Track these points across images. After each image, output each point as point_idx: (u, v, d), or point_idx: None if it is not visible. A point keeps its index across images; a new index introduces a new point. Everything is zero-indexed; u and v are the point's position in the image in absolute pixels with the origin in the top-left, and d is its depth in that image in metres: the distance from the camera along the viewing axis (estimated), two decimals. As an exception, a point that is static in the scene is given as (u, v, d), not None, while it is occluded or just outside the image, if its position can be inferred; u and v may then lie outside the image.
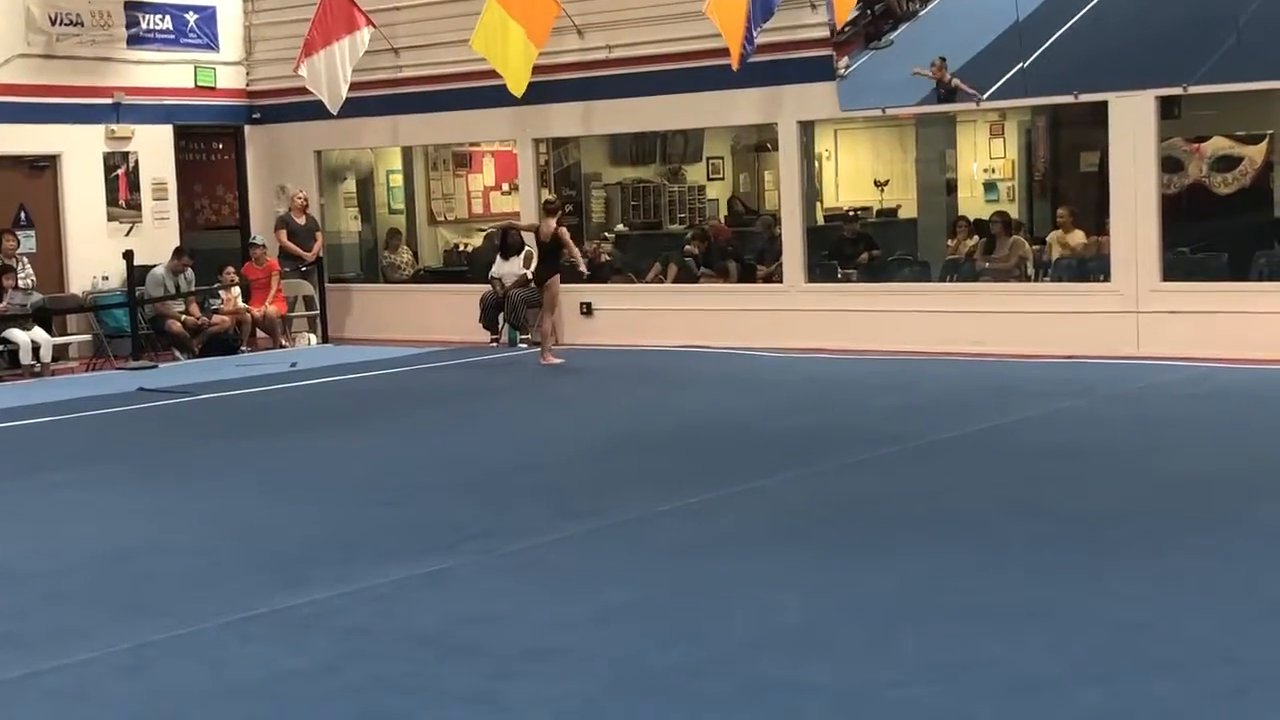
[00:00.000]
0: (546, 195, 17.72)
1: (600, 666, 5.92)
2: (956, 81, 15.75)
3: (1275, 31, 14.11)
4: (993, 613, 6.45)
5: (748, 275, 17.80)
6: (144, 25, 19.26)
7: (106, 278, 18.65)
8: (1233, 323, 14.39)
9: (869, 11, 16.07)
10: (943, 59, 15.75)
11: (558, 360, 16.07)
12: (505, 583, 7.29)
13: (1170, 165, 15.60)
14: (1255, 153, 16.54)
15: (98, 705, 5.73)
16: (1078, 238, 16.32)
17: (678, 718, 5.32)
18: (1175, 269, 15.02)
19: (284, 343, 19.00)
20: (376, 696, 5.66)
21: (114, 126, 18.99)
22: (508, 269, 18.13)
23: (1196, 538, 7.71)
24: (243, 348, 18.56)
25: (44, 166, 18.56)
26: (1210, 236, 15.56)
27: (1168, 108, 15.13)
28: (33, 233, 18.31)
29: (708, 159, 20.60)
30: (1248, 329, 14.25)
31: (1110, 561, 7.30)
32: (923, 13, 15.90)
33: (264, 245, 19.29)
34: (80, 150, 18.72)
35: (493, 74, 17.31)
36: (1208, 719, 5.13)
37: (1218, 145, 16.54)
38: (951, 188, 18.77)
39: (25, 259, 17.71)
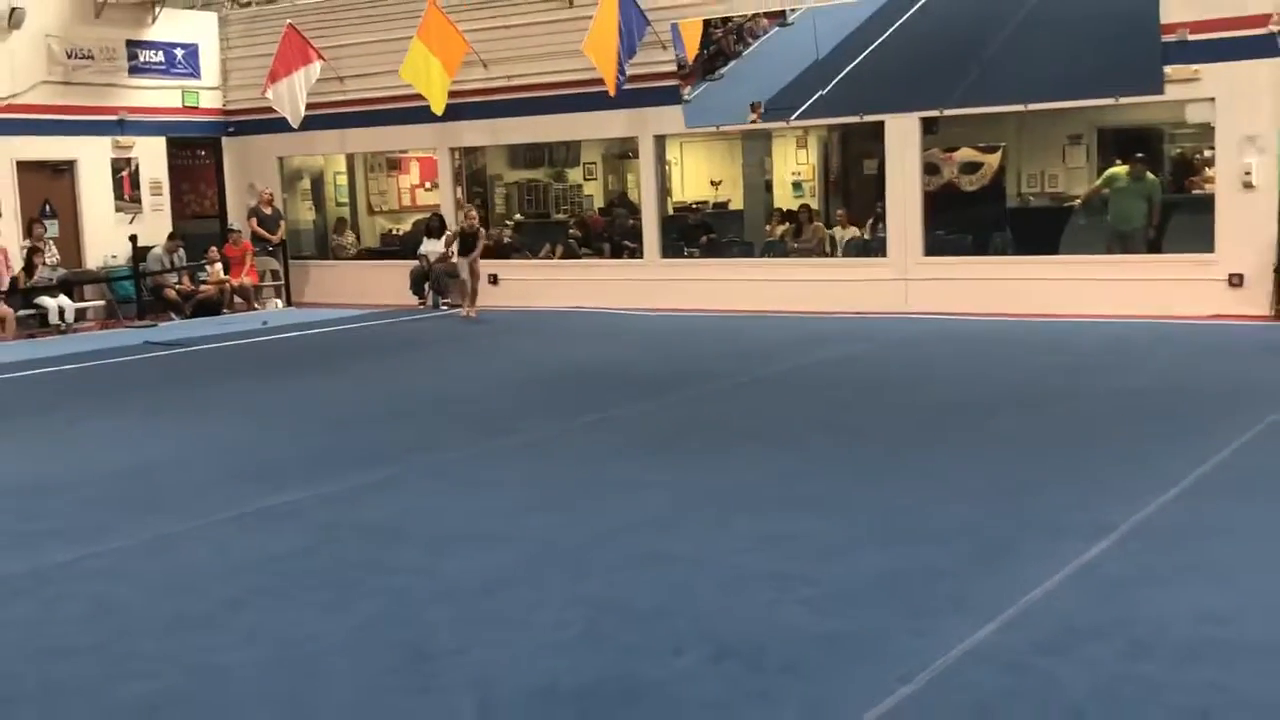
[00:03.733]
0: (469, 209, 17.29)
1: (516, 545, 5.99)
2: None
3: (1006, 68, 14.43)
4: (803, 501, 6.60)
5: (617, 253, 17.90)
6: (142, 59, 18.93)
7: (115, 256, 18.34)
8: (976, 286, 14.71)
9: (705, 51, 16.16)
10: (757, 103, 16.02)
11: (474, 314, 16.35)
12: (439, 486, 7.32)
13: (930, 169, 15.88)
14: (992, 160, 16.90)
15: (131, 580, 5.73)
16: (853, 231, 16.65)
17: (577, 581, 5.42)
18: (934, 247, 15.30)
19: (257, 306, 18.79)
20: (343, 570, 5.72)
21: (119, 138, 18.65)
22: (432, 247, 18.07)
23: (952, 443, 7.90)
24: (224, 310, 18.31)
25: (64, 170, 18.21)
26: (959, 222, 15.83)
27: (928, 125, 15.37)
28: (56, 221, 17.98)
29: (584, 164, 20.62)
30: (987, 290, 14.59)
31: (889, 462, 7.48)
32: (746, 53, 15.96)
33: (240, 231, 19.12)
34: (92, 157, 18.41)
35: (418, 97, 17.25)
36: (960, 575, 5.31)
37: (964, 154, 16.86)
38: (768, 186, 18.95)
39: (51, 242, 17.46)
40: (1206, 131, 14.28)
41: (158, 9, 18.90)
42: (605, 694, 4.21)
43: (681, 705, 4.11)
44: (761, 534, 6.01)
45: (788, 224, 17.22)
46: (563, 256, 18.21)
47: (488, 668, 4.46)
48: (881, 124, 15.37)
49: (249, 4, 20.18)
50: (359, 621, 5.01)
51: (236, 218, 19.77)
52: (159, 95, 19.18)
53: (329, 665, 4.57)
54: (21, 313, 16.56)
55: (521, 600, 5.18)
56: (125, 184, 18.80)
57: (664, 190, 17.57)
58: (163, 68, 19.22)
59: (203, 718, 4.20)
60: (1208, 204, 13.99)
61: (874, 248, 15.93)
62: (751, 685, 4.24)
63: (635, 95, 16.36)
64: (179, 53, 19.41)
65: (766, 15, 15.76)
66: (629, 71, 16.03)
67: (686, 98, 16.32)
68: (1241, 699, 4.01)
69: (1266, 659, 4.32)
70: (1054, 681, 4.17)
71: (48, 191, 17.98)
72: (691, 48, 16.13)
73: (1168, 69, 13.59)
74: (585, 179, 20.70)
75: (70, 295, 17.10)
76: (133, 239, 18.07)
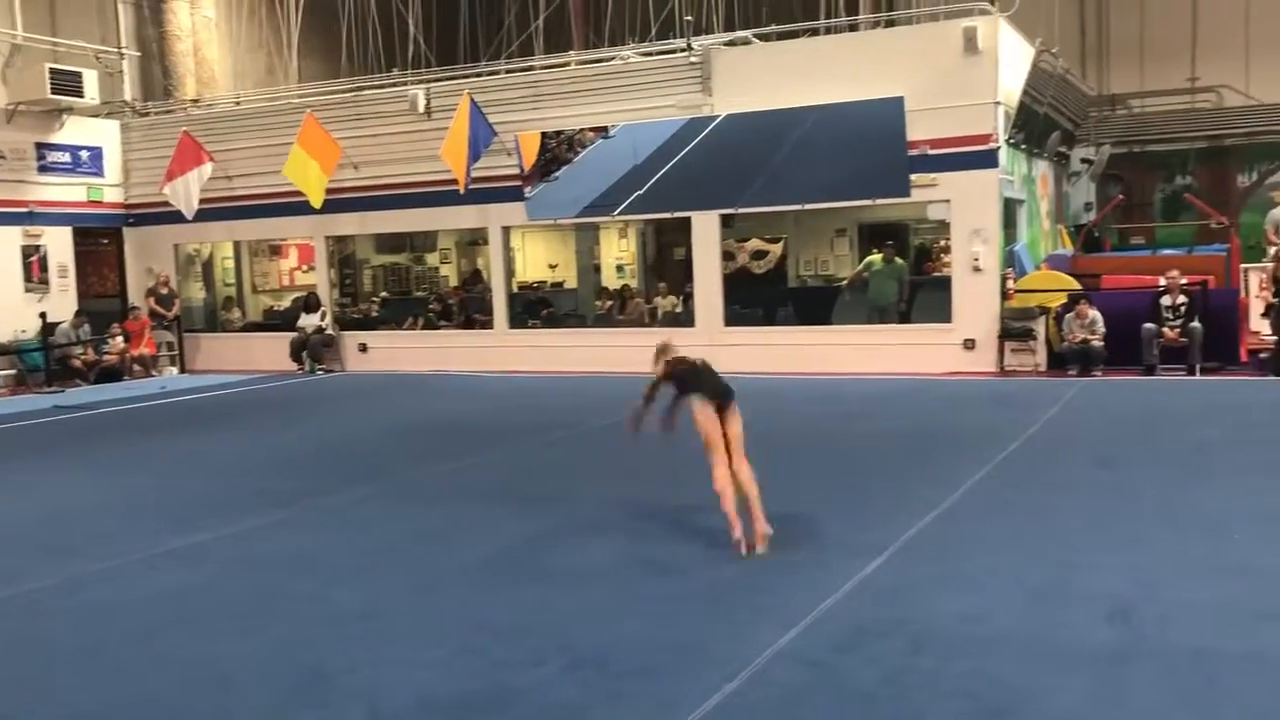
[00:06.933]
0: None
1: (400, 572, 5.89)
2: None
3: (787, 176, 14.87)
4: (637, 528, 6.52)
5: (470, 324, 17.74)
6: (50, 159, 18.03)
7: (25, 331, 17.31)
8: (766, 350, 15.00)
9: (543, 157, 16.25)
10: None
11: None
12: (327, 524, 7.15)
13: (727, 256, 16.22)
14: (777, 249, 17.42)
15: (48, 617, 5.40)
16: (669, 303, 16.88)
17: (449, 604, 5.32)
18: (732, 318, 15.54)
19: (154, 373, 17.95)
20: (250, 600, 5.54)
21: (29, 228, 17.67)
22: (308, 321, 17.64)
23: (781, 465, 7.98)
24: (126, 377, 17.45)
25: (-23, 255, 17.19)
26: (752, 299, 16.16)
27: (726, 220, 15.68)
28: (-31, 300, 16.94)
29: (440, 249, 20.43)
30: (774, 353, 14.89)
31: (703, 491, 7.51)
32: (576, 160, 16.10)
33: (139, 308, 18.31)
34: (4, 244, 17.38)
35: (297, 193, 16.87)
36: (766, 588, 5.33)
37: (755, 244, 17.33)
38: (597, 269, 19.08)
39: (-36, 318, 16.39)
40: (944, 226, 14.96)
41: (64, 116, 18.09)
42: (479, 702, 4.13)
43: (545, 708, 4.06)
44: (606, 558, 5.99)
45: (613, 300, 17.34)
46: (424, 327, 17.95)
47: (376, 683, 4.34)
48: (689, 218, 15.62)
49: (148, 113, 19.47)
50: (262, 645, 4.82)
51: (136, 297, 18.93)
52: (66, 190, 18.28)
53: (238, 684, 4.38)
54: (-63, 381, 15.53)
55: (402, 623, 5.07)
56: (35, 268, 17.82)
57: (510, 272, 17.53)
58: (69, 166, 18.35)
59: (123, 738, 3.97)
60: (946, 283, 14.63)
61: (684, 318, 16.15)
62: (604, 688, 4.21)
63: (484, 193, 16.29)
64: (84, 154, 18.56)
65: (592, 129, 15.96)
66: (473, 174, 15.97)
67: (528, 195, 16.35)
68: (999, 681, 4.16)
69: (1014, 647, 4.50)
70: (849, 675, 4.26)
71: (-37, 274, 16.98)
72: (530, 155, 16.19)
73: (913, 177, 14.22)
74: (441, 262, 20.50)
75: (-17, 365, 16.10)
76: (42, 316, 17.19)
